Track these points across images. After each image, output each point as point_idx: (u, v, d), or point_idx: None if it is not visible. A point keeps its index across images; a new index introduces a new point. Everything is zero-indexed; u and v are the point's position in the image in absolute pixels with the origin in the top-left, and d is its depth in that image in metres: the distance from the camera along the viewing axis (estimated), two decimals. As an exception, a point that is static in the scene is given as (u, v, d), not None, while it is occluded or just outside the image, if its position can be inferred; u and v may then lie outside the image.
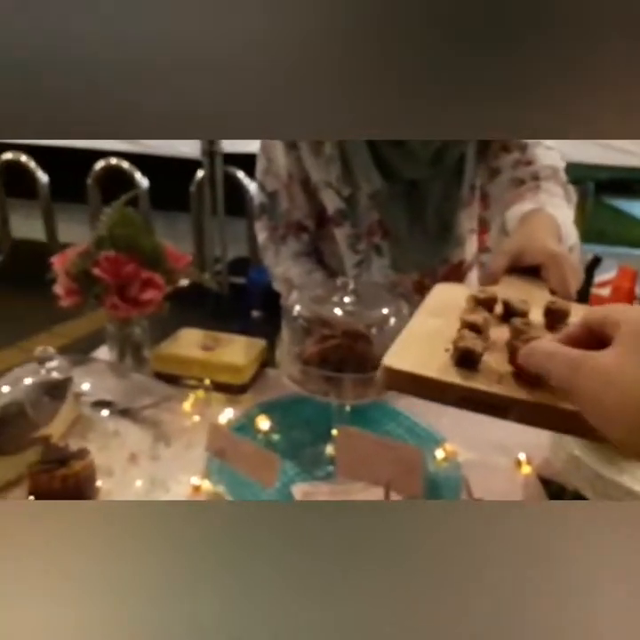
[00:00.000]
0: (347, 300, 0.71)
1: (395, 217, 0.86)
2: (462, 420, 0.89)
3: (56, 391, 0.83)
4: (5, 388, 0.82)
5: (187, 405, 0.91)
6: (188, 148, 2.68)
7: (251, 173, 2.74)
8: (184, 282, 1.00)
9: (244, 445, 0.63)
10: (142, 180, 2.84)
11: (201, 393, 0.93)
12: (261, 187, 0.96)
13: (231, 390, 0.94)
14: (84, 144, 2.68)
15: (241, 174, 2.73)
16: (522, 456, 0.80)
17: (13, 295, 3.10)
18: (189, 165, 2.74)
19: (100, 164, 2.92)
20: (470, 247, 0.92)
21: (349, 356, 0.70)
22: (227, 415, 0.88)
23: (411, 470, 0.56)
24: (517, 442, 0.82)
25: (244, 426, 0.85)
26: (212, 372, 0.94)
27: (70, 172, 2.91)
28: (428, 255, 0.89)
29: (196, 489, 0.74)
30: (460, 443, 0.82)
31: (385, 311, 0.70)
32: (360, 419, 0.79)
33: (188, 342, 1.00)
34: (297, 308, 0.72)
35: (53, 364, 0.79)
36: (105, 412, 0.86)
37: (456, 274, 0.90)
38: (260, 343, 1.01)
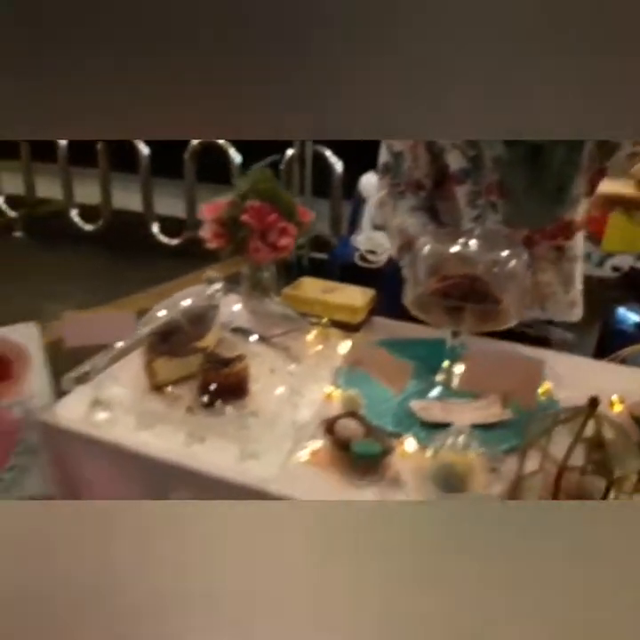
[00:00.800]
0: (471, 243, 0.82)
1: (514, 178, 0.95)
2: (559, 365, 0.99)
3: (207, 313, 0.99)
4: (164, 311, 0.99)
5: (310, 337, 1.05)
6: (280, 128, 2.83)
7: (339, 153, 2.89)
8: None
9: (380, 354, 0.76)
10: (236, 157, 3.03)
11: (321, 329, 1.07)
12: (388, 147, 1.07)
13: (347, 328, 1.08)
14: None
15: (329, 153, 2.86)
16: (614, 396, 0.89)
17: (110, 258, 3.39)
18: (280, 144, 2.90)
19: (196, 141, 3.13)
20: (581, 209, 1.00)
21: (469, 292, 0.82)
22: (346, 346, 1.01)
23: (530, 381, 0.66)
24: (612, 388, 0.90)
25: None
26: (331, 311, 1.08)
27: (168, 147, 3.13)
28: (541, 214, 0.98)
29: (329, 396, 0.88)
30: (557, 385, 0.92)
31: (505, 254, 0.81)
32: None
33: (310, 287, 1.15)
34: (426, 248, 0.84)
35: (216, 286, 0.95)
36: (249, 337, 1.02)
37: (565, 231, 0.99)
38: (370, 291, 1.14)
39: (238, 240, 1.06)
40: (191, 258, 3.22)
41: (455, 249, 0.82)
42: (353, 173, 2.79)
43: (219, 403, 0.84)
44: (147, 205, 3.39)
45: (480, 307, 0.79)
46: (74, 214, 3.52)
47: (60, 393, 0.85)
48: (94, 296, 2.87)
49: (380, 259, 2.42)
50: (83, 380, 0.85)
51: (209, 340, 0.97)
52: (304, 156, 2.85)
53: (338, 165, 2.84)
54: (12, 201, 3.66)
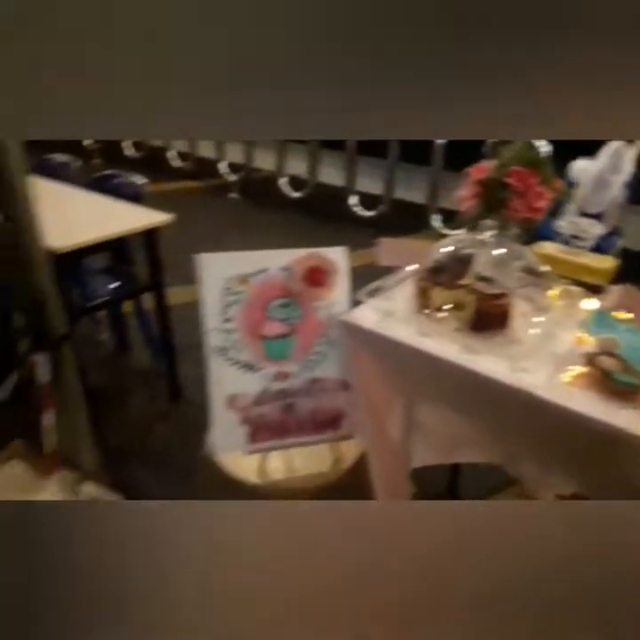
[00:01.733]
0: None
1: None
2: None
3: (464, 260, 1.16)
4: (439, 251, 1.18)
5: (552, 293, 1.17)
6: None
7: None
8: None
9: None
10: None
11: (565, 287, 1.17)
12: None
13: (589, 289, 1.17)
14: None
15: (539, 138, 2.86)
16: None
17: (310, 224, 3.75)
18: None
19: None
20: None
21: None
22: (590, 303, 1.11)
23: None
24: None
25: (605, 314, 1.07)
26: (577, 271, 1.18)
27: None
28: None
29: (580, 339, 1.00)
30: None
31: None
32: None
33: (551, 249, 1.26)
34: None
35: (490, 233, 1.12)
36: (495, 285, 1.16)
37: None
38: (612, 259, 1.21)
39: (496, 200, 1.21)
40: (383, 230, 3.47)
41: None
42: (561, 159, 2.76)
43: (486, 328, 1.00)
44: (349, 180, 3.67)
45: None
46: (283, 183, 3.95)
47: (355, 302, 1.08)
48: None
49: (585, 245, 2.40)
50: (373, 294, 1.08)
51: (468, 280, 1.14)
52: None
53: (545, 149, 2.82)
54: (232, 167, 4.21)
